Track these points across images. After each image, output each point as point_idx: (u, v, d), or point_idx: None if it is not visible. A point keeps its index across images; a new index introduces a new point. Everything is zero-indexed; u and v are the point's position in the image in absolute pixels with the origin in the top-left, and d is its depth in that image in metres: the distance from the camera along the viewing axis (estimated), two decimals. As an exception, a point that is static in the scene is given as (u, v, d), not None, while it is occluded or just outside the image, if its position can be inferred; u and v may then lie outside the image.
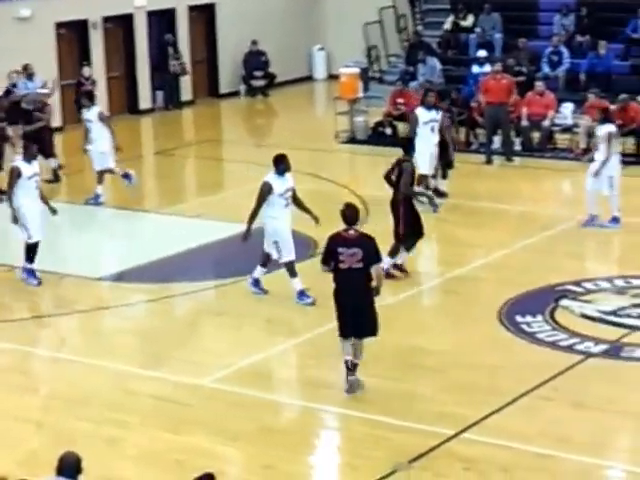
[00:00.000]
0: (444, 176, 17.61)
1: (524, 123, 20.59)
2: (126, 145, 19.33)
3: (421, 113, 17.06)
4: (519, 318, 12.80)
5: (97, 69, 24.20)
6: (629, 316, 12.80)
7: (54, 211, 14.75)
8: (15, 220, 14.30)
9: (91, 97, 18.84)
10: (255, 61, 27.45)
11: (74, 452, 7.62)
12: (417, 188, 15.81)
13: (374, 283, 10.81)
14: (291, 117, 25.61)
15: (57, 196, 18.20)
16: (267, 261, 13.53)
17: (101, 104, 22.77)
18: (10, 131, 19.30)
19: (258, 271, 13.66)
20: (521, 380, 11.12)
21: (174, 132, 24.76)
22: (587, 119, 19.36)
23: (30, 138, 17.70)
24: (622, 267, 14.46)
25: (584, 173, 16.35)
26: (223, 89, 27.65)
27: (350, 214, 10.85)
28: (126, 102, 25.80)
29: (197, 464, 8.99)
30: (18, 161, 14.58)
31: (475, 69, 22.35)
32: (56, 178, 19.58)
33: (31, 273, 14.27)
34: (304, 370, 12.13)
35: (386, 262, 13.47)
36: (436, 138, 16.95)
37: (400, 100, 21.75)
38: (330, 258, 10.82)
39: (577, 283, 13.83)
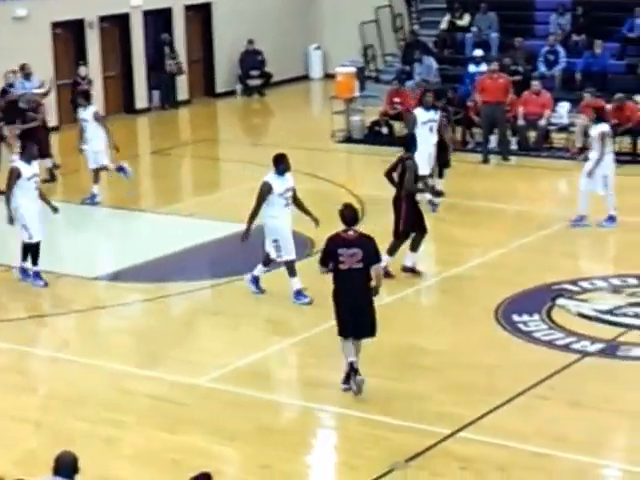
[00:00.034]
0: (440, 175, 17.61)
1: (520, 122, 20.60)
2: (122, 145, 19.30)
3: (420, 113, 17.06)
4: (516, 317, 12.81)
5: (93, 69, 24.18)
6: (625, 315, 12.81)
7: (55, 209, 14.76)
8: (11, 221, 14.28)
9: (87, 97, 18.82)
10: (251, 60, 27.45)
11: (71, 452, 7.61)
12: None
13: (373, 283, 10.81)
14: (287, 116, 25.61)
15: (53, 196, 18.11)
16: (269, 260, 13.52)
17: (97, 104, 22.76)
18: (6, 131, 19.29)
19: (259, 269, 13.65)
20: (518, 379, 11.13)
21: (170, 131, 24.76)
22: (583, 118, 19.35)
23: (27, 138, 17.67)
24: (618, 266, 14.47)
25: (580, 172, 16.35)
26: (219, 88, 27.64)
27: (349, 215, 10.84)
28: (122, 101, 25.79)
29: (194, 464, 8.98)
30: (18, 162, 14.56)
31: (471, 68, 22.36)
32: (52, 177, 19.57)
33: (37, 275, 14.23)
34: (301, 370, 12.13)
35: (384, 260, 13.52)
36: (435, 138, 16.95)
37: (396, 99, 21.76)
38: (329, 259, 10.80)
39: (573, 282, 13.84)
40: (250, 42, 27.33)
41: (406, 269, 14.03)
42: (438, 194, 14.41)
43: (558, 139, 20.73)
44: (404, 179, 13.83)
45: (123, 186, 19.94)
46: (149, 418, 10.66)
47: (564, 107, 21.01)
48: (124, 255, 15.67)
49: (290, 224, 13.37)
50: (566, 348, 11.95)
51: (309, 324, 12.78)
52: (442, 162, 17.49)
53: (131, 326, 13.38)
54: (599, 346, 11.97)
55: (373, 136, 22.10)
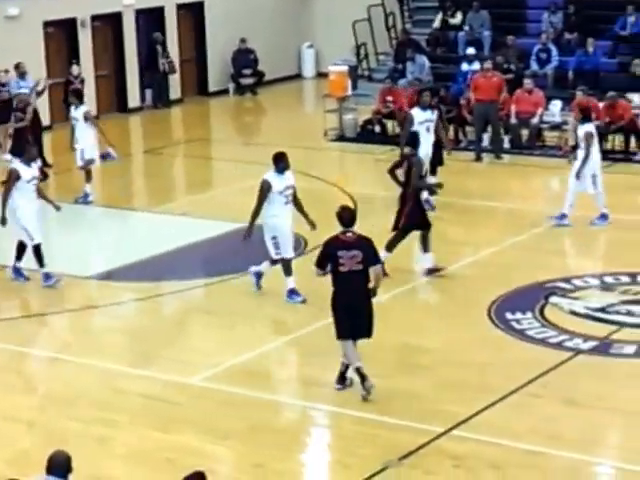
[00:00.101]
0: (433, 172, 17.62)
1: (513, 121, 20.62)
2: (115, 144, 19.27)
3: (416, 113, 17.06)
4: (509, 315, 12.82)
5: (86, 67, 24.12)
6: (618, 313, 12.83)
7: (58, 207, 14.78)
8: (3, 221, 14.23)
9: (79, 96, 18.80)
10: (244, 59, 27.43)
11: (64, 451, 7.60)
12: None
13: (371, 284, 10.78)
14: (280, 115, 25.60)
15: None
16: (288, 268, 13.44)
17: (90, 103, 22.75)
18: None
19: (264, 265, 13.59)
20: (511, 377, 11.14)
21: (163, 131, 24.73)
22: (575, 116, 19.36)
23: (15, 138, 17.65)
24: (611, 264, 14.49)
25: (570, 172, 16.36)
26: (212, 87, 27.62)
27: (347, 216, 10.80)
28: (115, 100, 25.75)
29: (187, 463, 8.96)
30: (17, 163, 14.52)
31: (464, 67, 22.40)
32: (44, 177, 19.52)
33: (47, 276, 14.18)
34: (294, 368, 12.14)
35: (382, 255, 13.56)
36: (432, 138, 16.94)
37: (389, 98, 21.76)
38: (327, 261, 10.72)
39: (566, 280, 13.86)
40: (243, 41, 27.31)
41: (429, 271, 14.00)
42: (439, 186, 14.37)
43: (550, 137, 20.75)
44: (410, 176, 13.83)
45: (116, 185, 19.97)
46: (142, 417, 10.65)
47: (556, 105, 21.03)
48: (117, 254, 15.66)
49: (290, 222, 13.32)
50: (559, 346, 11.97)
51: (302, 323, 12.77)
52: (435, 160, 17.50)
53: (124, 325, 13.36)
54: (592, 344, 11.99)
55: (366, 135, 22.10)
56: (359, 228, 11.04)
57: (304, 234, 14.66)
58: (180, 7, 26.86)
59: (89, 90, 23.49)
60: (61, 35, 24.65)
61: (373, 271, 10.72)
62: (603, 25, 23.33)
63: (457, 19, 25.04)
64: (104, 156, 18.17)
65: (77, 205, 18.03)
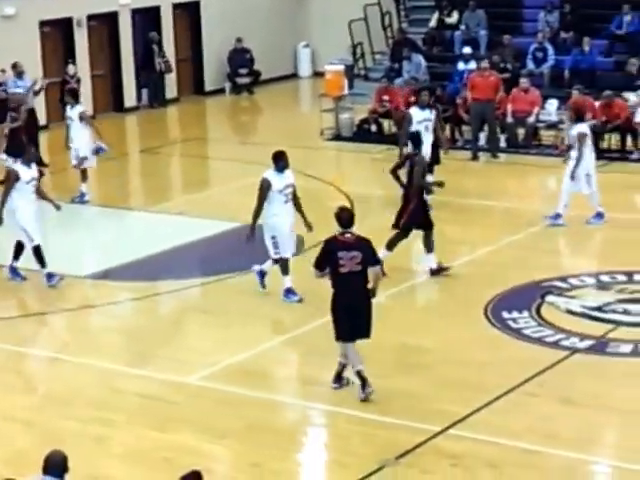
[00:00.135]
0: (430, 171, 17.62)
1: (509, 120, 20.64)
2: (111, 143, 19.28)
3: (415, 112, 17.07)
4: (505, 314, 12.83)
5: (82, 67, 24.11)
6: (614, 311, 12.84)
7: (58, 207, 14.79)
8: (0, 221, 14.21)
9: (75, 95, 18.80)
10: (240, 59, 27.43)
11: (60, 451, 7.60)
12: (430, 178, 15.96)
13: (370, 285, 10.78)
14: (276, 115, 25.59)
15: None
16: (285, 267, 13.44)
17: (86, 102, 22.74)
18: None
19: (267, 264, 13.53)
20: (507, 376, 11.15)
21: (159, 130, 24.72)
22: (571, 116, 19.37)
23: (10, 138, 17.66)
24: (607, 263, 14.50)
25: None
26: (208, 87, 27.61)
27: (345, 217, 10.77)
28: (111, 100, 25.75)
29: (184, 462, 8.97)
30: (17, 164, 14.51)
31: (460, 66, 22.40)
32: (40, 175, 19.48)
33: (50, 275, 14.15)
34: (291, 367, 12.14)
35: (382, 254, 13.59)
36: (430, 137, 16.95)
37: (385, 97, 21.76)
38: (327, 262, 10.68)
39: (563, 279, 13.87)
40: (239, 40, 27.31)
41: (433, 271, 14.01)
42: (440, 184, 14.38)
43: (547, 136, 20.76)
44: (413, 175, 13.84)
45: (112, 184, 19.97)
46: (139, 417, 10.65)
47: (553, 104, 21.05)
48: (114, 254, 15.64)
49: (291, 221, 13.27)
50: (555, 345, 11.98)
51: (299, 322, 12.78)
52: (433, 159, 17.51)
53: (121, 325, 13.36)
54: (588, 343, 12.00)
55: (362, 134, 22.10)
56: (356, 227, 11.05)
57: (301, 233, 14.65)
58: (176, 6, 26.84)
59: (85, 90, 23.48)
60: (57, 35, 24.63)
61: (372, 272, 10.71)
62: (599, 24, 23.35)
63: (453, 18, 25.04)
64: (96, 151, 18.14)
65: (73, 204, 18.02)
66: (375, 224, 14.30)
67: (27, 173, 14.25)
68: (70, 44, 24.67)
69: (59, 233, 16.78)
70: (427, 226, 13.89)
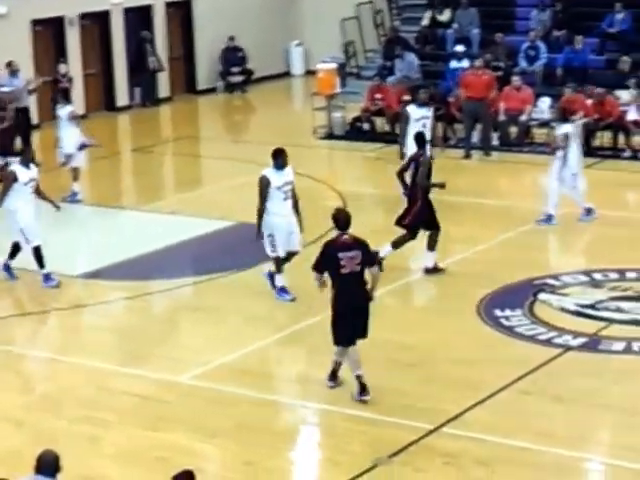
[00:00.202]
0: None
1: (501, 118, 20.65)
2: (103, 142, 19.27)
3: (413, 110, 17.07)
4: (498, 312, 12.83)
5: (74, 66, 24.07)
6: (607, 309, 12.85)
7: (57, 207, 14.78)
8: None
9: (66, 95, 18.77)
10: (232, 57, 27.41)
11: (52, 450, 7.58)
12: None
13: (368, 286, 10.74)
14: (269, 113, 25.58)
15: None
16: (288, 258, 13.35)
17: (78, 101, 22.72)
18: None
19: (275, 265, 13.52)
20: (500, 374, 11.14)
21: (152, 129, 24.70)
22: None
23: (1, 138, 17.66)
24: (599, 260, 14.50)
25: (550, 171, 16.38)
26: (200, 85, 27.59)
27: (343, 219, 10.72)
28: (103, 99, 25.71)
29: (176, 461, 8.96)
30: (15, 165, 14.47)
31: (453, 64, 22.41)
32: None
33: (47, 277, 14.11)
34: (284, 366, 12.12)
35: (386, 251, 13.60)
36: (428, 135, 16.95)
37: (378, 95, 21.76)
38: (327, 264, 10.61)
39: (555, 277, 13.88)
40: (231, 39, 27.29)
41: (428, 270, 14.01)
42: (442, 186, 14.37)
43: (539, 134, 20.76)
44: (417, 174, 13.84)
45: (105, 183, 19.94)
46: (131, 416, 10.63)
47: (545, 102, 21.06)
48: (106, 253, 15.61)
49: (290, 219, 13.18)
50: (548, 343, 11.98)
51: (292, 321, 12.76)
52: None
53: (113, 324, 13.33)
54: (581, 340, 12.00)
55: (355, 132, 22.10)
56: (353, 227, 11.00)
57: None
58: (168, 5, 26.83)
59: (77, 89, 23.46)
60: (49, 33, 24.59)
61: (371, 272, 10.69)
62: (591, 22, 23.37)
63: (445, 16, 25.04)
64: (81, 147, 18.09)
65: (65, 204, 17.96)
66: (368, 222, 14.29)
67: (25, 174, 14.21)
68: (62, 43, 24.63)
69: (51, 232, 16.70)
70: (433, 227, 13.90)
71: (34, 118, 22.60)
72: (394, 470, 9.47)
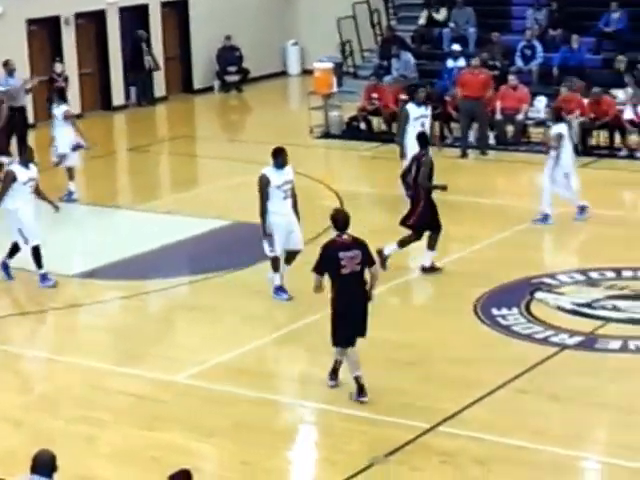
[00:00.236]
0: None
1: (498, 117, 20.65)
2: (99, 142, 19.25)
3: (412, 109, 17.07)
4: (495, 311, 12.82)
5: (69, 66, 24.04)
6: (603, 308, 12.85)
7: (57, 208, 14.77)
8: None
9: (61, 94, 18.74)
10: (229, 56, 27.39)
11: (49, 450, 7.56)
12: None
13: (367, 286, 10.72)
14: (265, 112, 25.56)
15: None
16: (291, 258, 13.33)
17: (74, 101, 22.71)
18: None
19: (284, 268, 13.40)
20: (497, 373, 11.14)
21: (147, 128, 24.68)
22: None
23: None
24: (596, 259, 14.49)
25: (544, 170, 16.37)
26: (197, 85, 27.57)
27: (341, 219, 10.69)
28: (99, 98, 25.68)
29: (172, 461, 8.93)
30: (14, 165, 14.45)
31: (449, 63, 22.42)
32: None
33: (44, 277, 14.10)
34: (280, 365, 12.11)
35: (390, 249, 13.65)
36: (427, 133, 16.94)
37: (374, 95, 21.74)
38: (328, 265, 10.56)
39: (552, 276, 13.87)
40: (227, 38, 27.27)
41: (425, 269, 14.00)
42: (443, 188, 14.35)
43: (536, 133, 20.75)
44: (419, 174, 13.84)
45: (101, 183, 19.92)
46: (127, 416, 10.61)
47: (541, 101, 21.06)
48: (102, 252, 15.59)
49: (289, 218, 13.12)
50: (545, 341, 11.98)
51: (288, 320, 12.75)
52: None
53: (109, 323, 13.31)
54: (578, 339, 12.00)
55: (351, 132, 22.10)
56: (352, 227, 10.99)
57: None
58: (164, 4, 26.80)
59: (73, 88, 23.43)
60: (45, 33, 24.56)
61: (370, 272, 10.67)
62: (587, 22, 23.36)
63: (441, 15, 25.03)
64: (75, 147, 18.07)
65: (61, 203, 17.93)
66: (365, 221, 14.25)
67: (24, 174, 14.18)
68: (58, 42, 24.60)
69: (47, 232, 16.69)
70: (435, 227, 13.90)
71: (30, 118, 22.56)
72: (390, 469, 9.46)
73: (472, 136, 20.58)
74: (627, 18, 23.02)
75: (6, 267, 14.40)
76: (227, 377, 11.34)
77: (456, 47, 22.77)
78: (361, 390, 10.55)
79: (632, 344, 11.83)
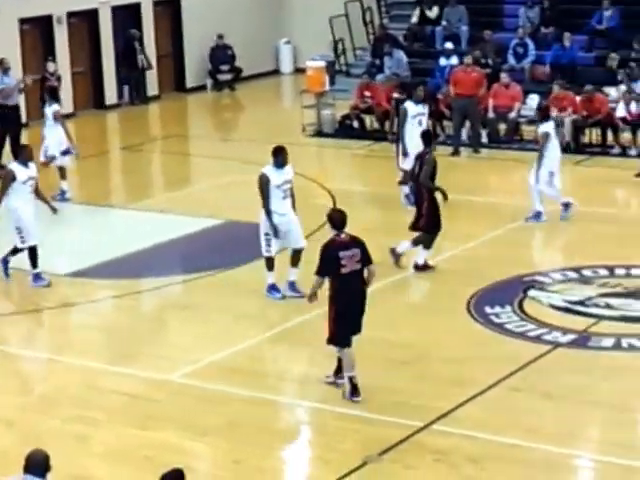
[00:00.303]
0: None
1: (490, 115, 20.66)
2: (92, 141, 19.24)
3: (410, 107, 17.08)
4: (488, 309, 12.83)
5: (62, 64, 24.01)
6: (596, 306, 12.86)
7: (54, 210, 14.73)
8: None
9: (53, 94, 18.70)
10: (221, 55, 27.37)
11: (42, 450, 7.55)
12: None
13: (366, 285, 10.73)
14: (258, 111, 25.55)
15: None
16: (295, 258, 13.28)
17: (66, 100, 22.68)
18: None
19: (293, 273, 13.28)
20: (490, 371, 11.15)
21: (140, 127, 24.65)
22: (553, 110, 19.41)
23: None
24: (588, 257, 14.51)
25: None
26: (189, 83, 27.54)
27: (338, 218, 10.69)
28: (92, 97, 25.65)
29: (166, 460, 8.92)
30: (14, 164, 14.43)
31: (442, 61, 22.44)
32: None
33: (37, 276, 14.08)
34: (274, 364, 12.10)
35: (404, 247, 13.81)
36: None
37: (367, 93, 21.75)
38: (329, 266, 10.51)
39: (544, 274, 13.89)
40: (220, 37, 27.25)
41: (418, 267, 14.00)
42: (444, 196, 14.30)
43: (528, 131, 20.74)
44: (421, 173, 13.84)
45: (94, 182, 19.90)
46: (120, 415, 10.60)
47: (534, 99, 21.07)
48: (95, 251, 15.57)
49: (288, 218, 13.08)
50: (538, 339, 11.99)
51: (281, 319, 12.75)
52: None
53: (102, 323, 13.29)
54: (571, 337, 12.02)
55: (344, 130, 22.09)
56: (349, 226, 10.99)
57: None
58: (157, 3, 26.77)
59: (66, 87, 23.39)
60: (37, 32, 24.52)
61: (369, 270, 10.67)
62: (579, 19, 23.38)
63: (434, 13, 25.03)
64: (64, 152, 18.04)
65: (54, 202, 17.90)
66: (358, 220, 14.21)
67: (24, 173, 14.16)
68: (50, 41, 24.57)
69: (40, 231, 16.69)
70: (436, 229, 13.96)
71: (22, 117, 22.50)
72: (384, 468, 9.46)
73: (464, 134, 20.61)
74: (619, 16, 23.04)
75: (6, 264, 14.38)
76: (220, 376, 11.33)
77: (448, 45, 22.79)
78: (354, 390, 10.55)
79: (625, 342, 11.85)
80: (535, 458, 9.59)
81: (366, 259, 10.62)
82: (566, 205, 15.98)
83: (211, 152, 21.47)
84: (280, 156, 13.07)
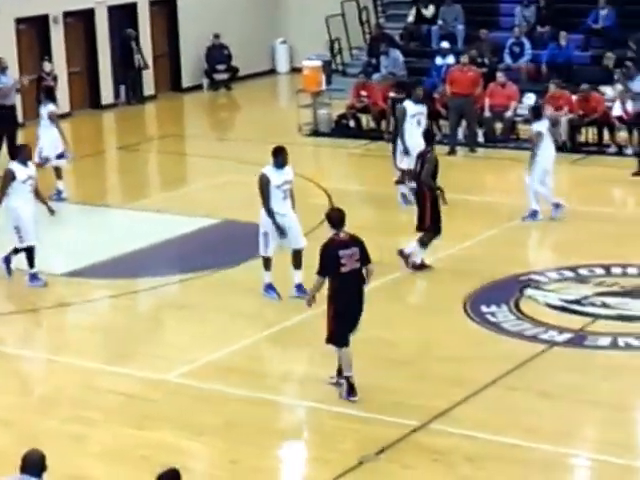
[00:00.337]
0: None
1: (486, 114, 20.67)
2: (88, 140, 19.21)
3: (409, 106, 17.08)
4: (484, 308, 12.84)
5: (58, 64, 23.99)
6: (592, 305, 12.87)
7: (52, 211, 14.72)
8: None
9: (49, 94, 18.68)
10: (217, 55, 27.36)
11: (38, 450, 7.55)
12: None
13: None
14: (254, 111, 25.54)
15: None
16: (298, 260, 13.24)
17: (63, 99, 22.65)
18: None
19: (298, 276, 13.23)
20: (487, 370, 11.15)
21: (137, 127, 24.63)
22: (549, 109, 19.44)
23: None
24: (585, 256, 14.52)
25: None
26: (186, 83, 27.53)
27: (336, 217, 10.69)
28: (88, 97, 25.63)
29: (162, 460, 8.91)
30: (13, 164, 14.41)
31: (438, 61, 22.45)
32: None
33: (34, 276, 14.07)
34: (270, 364, 12.10)
35: (411, 247, 13.85)
36: (422, 131, 16.93)
37: (363, 92, 21.75)
38: (330, 265, 10.50)
39: (541, 273, 13.89)
40: (216, 36, 27.24)
41: (415, 266, 14.01)
42: (443, 200, 14.28)
43: (524, 130, 20.73)
44: (422, 172, 13.84)
45: (90, 182, 19.88)
46: (117, 415, 10.59)
47: (530, 98, 21.08)
48: (91, 251, 15.56)
49: (287, 218, 13.05)
50: (534, 338, 11.99)
51: (278, 318, 12.74)
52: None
53: (98, 322, 13.28)
54: (567, 336, 12.02)
55: (340, 129, 22.10)
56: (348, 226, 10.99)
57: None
58: (153, 3, 26.76)
59: (62, 87, 23.36)
60: (33, 32, 24.49)
61: (368, 269, 10.67)
62: (575, 18, 23.39)
63: (430, 12, 25.04)
64: (59, 156, 18.03)
65: (50, 202, 17.88)
66: (355, 219, 14.19)
67: (23, 172, 14.14)
68: (46, 41, 24.54)
69: (36, 231, 16.68)
70: (436, 230, 14.00)
71: (18, 117, 22.47)
72: (381, 467, 9.46)
73: (461, 133, 20.62)
74: (615, 15, 23.05)
75: (8, 263, 14.36)
76: (217, 376, 11.33)
77: (445, 44, 22.80)
78: (351, 389, 10.55)
79: (621, 341, 11.86)
80: (533, 458, 9.59)
81: (365, 258, 10.62)
82: (557, 205, 15.99)
83: (207, 152, 21.46)
84: (280, 156, 13.06)
